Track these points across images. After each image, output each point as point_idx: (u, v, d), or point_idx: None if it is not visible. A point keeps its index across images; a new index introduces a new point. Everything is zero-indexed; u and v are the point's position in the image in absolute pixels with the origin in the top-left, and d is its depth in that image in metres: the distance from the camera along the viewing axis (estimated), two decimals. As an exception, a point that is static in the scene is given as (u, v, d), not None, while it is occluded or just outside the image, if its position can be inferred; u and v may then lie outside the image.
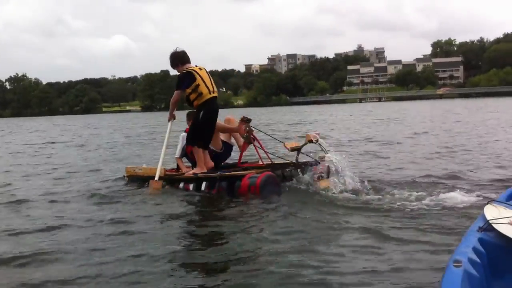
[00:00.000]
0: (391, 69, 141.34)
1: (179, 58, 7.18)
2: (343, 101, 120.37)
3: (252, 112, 61.04)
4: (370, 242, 4.17)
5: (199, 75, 6.95)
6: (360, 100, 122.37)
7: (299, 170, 6.69)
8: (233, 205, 5.75)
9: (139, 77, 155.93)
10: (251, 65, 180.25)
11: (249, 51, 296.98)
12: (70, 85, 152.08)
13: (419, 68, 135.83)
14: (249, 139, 7.05)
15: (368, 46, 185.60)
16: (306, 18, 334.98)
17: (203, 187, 6.53)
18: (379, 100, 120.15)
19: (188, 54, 7.25)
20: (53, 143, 18.85)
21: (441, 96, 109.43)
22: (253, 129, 7.11)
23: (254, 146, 7.15)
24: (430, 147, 11.48)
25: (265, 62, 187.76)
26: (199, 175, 6.69)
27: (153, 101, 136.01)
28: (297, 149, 6.83)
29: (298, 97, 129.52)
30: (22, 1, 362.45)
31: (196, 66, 7.18)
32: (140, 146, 15.80)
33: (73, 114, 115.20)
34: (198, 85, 6.90)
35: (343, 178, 6.19)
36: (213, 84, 7.15)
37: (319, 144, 6.58)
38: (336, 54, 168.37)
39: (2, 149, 16.96)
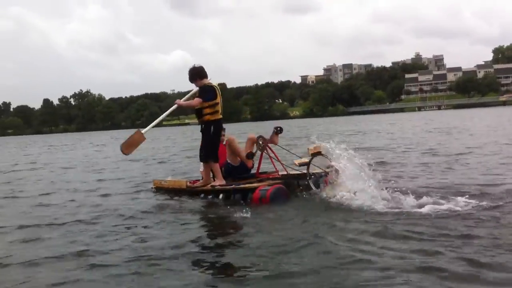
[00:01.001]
0: (450, 77, 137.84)
1: (198, 73, 7.54)
2: (401, 110, 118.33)
3: (309, 123, 61.18)
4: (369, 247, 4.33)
5: (219, 95, 7.47)
6: (419, 109, 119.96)
7: (310, 180, 7.04)
8: (245, 214, 5.97)
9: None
10: (307, 76, 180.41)
11: (305, 62, 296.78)
12: (132, 100, 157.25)
13: (480, 74, 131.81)
14: (263, 149, 7.51)
15: (427, 54, 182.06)
16: (362, 27, 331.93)
17: (220, 197, 7.06)
18: (439, 108, 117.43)
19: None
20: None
21: (504, 103, 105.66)
22: (266, 140, 7.53)
23: (270, 157, 7.54)
24: (492, 159, 10.33)
25: (321, 72, 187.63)
26: (216, 187, 7.24)
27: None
28: (306, 164, 7.15)
29: (355, 107, 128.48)
30: (85, 19, 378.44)
31: (215, 83, 7.59)
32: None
33: (134, 128, 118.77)
34: (218, 103, 7.43)
35: (354, 185, 6.29)
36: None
37: (324, 155, 6.87)
38: (393, 63, 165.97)
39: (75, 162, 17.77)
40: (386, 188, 6.31)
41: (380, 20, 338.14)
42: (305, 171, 7.19)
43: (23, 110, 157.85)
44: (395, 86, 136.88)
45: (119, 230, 5.61)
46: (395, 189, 6.35)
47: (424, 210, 5.49)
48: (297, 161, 7.40)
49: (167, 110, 8.00)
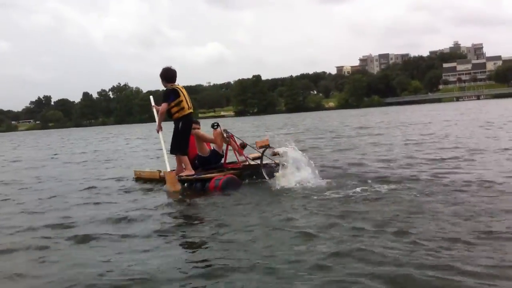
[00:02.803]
0: (490, 66, 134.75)
1: (166, 77, 8.37)
2: (439, 100, 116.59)
3: (345, 114, 60.97)
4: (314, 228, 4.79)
5: (182, 93, 8.19)
6: (457, 99, 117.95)
7: (263, 170, 7.85)
8: (203, 202, 6.75)
9: (232, 83, 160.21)
10: (342, 66, 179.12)
11: (340, 53, 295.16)
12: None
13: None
14: (228, 141, 8.33)
15: (465, 43, 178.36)
16: (398, 16, 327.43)
17: (185, 185, 7.95)
18: (478, 98, 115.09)
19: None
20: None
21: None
22: (230, 134, 8.34)
23: (233, 149, 8.35)
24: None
25: (357, 63, 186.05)
26: (182, 177, 8.03)
27: (245, 105, 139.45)
28: (259, 158, 7.98)
29: (391, 98, 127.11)
30: (122, 14, 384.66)
31: (179, 85, 8.37)
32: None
33: (171, 120, 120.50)
34: (181, 101, 8.15)
35: (300, 173, 7.21)
36: (190, 102, 8.34)
37: (271, 147, 7.68)
38: (430, 52, 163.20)
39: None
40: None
41: (417, 8, 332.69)
42: (258, 163, 8.00)
43: (64, 103, 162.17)
44: (433, 76, 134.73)
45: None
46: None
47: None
48: (251, 155, 8.26)
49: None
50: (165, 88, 8.36)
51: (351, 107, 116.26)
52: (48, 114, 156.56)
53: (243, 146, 8.44)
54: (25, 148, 29.62)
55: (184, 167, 8.29)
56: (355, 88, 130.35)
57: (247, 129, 34.03)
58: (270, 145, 7.74)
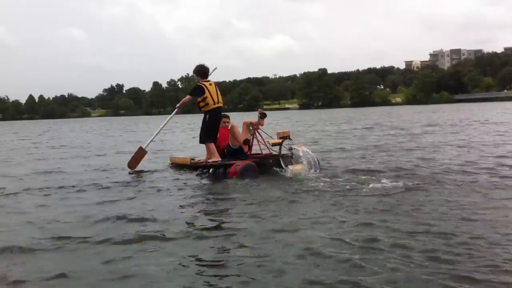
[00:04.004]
0: None
1: (201, 73, 9.50)
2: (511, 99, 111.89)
3: (413, 110, 59.78)
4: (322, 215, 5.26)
5: (208, 90, 9.17)
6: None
7: (281, 160, 8.56)
8: (222, 188, 7.49)
9: (298, 75, 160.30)
10: (412, 61, 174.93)
11: (410, 47, 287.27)
12: (235, 84, 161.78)
13: None
14: (253, 133, 9.05)
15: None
16: (472, 10, 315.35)
17: (211, 171, 8.80)
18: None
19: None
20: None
21: None
22: (256, 125, 9.10)
23: (257, 140, 9.09)
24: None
25: (427, 58, 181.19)
26: (209, 163, 8.99)
27: (310, 99, 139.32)
28: (278, 144, 8.63)
29: (461, 94, 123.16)
30: (192, 6, 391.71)
31: (208, 81, 9.38)
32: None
33: (236, 112, 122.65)
34: (206, 97, 9.17)
35: (310, 165, 7.99)
36: (219, 96, 9.32)
37: (291, 139, 8.59)
38: (505, 49, 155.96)
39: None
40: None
41: (493, 3, 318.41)
42: (284, 152, 8.75)
43: (135, 92, 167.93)
44: (507, 73, 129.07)
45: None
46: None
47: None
48: (270, 141, 8.91)
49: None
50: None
51: (419, 103, 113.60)
52: (119, 102, 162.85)
53: (248, 141, 9.13)
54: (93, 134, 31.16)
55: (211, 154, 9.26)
56: (424, 83, 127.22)
57: (312, 122, 34.40)
58: (290, 137, 8.59)
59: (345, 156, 10.80)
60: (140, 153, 9.86)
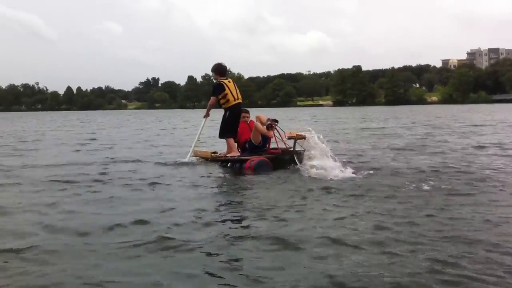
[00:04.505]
0: None
1: (219, 71, 10.00)
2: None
3: (447, 109, 59.21)
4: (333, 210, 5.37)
5: (228, 87, 9.65)
6: None
7: (295, 156, 8.74)
8: (238, 182, 7.72)
9: (332, 72, 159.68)
10: (448, 60, 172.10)
11: (447, 45, 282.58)
12: (269, 79, 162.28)
13: None
14: (270, 128, 9.35)
15: None
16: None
17: (228, 165, 9.15)
18: None
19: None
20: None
21: None
22: (275, 123, 9.38)
23: (274, 136, 9.38)
24: None
25: (464, 56, 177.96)
26: (228, 157, 9.40)
27: (344, 96, 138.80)
28: (293, 138, 8.79)
29: (500, 95, 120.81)
30: (227, 0, 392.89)
31: (227, 79, 9.87)
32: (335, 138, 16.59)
33: (270, 107, 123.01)
34: (227, 94, 9.64)
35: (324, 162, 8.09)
36: (238, 93, 9.77)
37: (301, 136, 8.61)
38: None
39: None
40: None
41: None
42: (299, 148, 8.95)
43: (170, 85, 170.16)
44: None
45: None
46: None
47: None
48: (287, 134, 9.11)
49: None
50: (215, 81, 10.01)
51: (455, 103, 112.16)
52: (155, 95, 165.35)
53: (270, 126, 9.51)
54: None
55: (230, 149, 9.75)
56: (460, 82, 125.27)
57: (347, 120, 34.40)
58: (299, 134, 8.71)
59: (377, 155, 10.72)
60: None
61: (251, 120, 10.00)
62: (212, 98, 9.83)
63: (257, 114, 10.05)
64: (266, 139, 9.67)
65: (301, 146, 8.83)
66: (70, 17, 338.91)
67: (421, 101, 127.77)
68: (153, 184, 7.39)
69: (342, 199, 5.94)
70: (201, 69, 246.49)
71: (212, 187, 7.25)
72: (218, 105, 9.87)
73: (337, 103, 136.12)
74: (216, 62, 10.16)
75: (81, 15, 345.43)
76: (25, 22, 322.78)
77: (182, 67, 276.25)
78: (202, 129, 10.54)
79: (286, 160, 8.93)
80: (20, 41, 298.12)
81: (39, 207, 5.79)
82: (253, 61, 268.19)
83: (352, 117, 40.70)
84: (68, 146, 15.21)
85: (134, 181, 7.72)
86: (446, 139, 14.97)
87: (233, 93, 9.75)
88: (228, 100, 9.71)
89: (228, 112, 9.76)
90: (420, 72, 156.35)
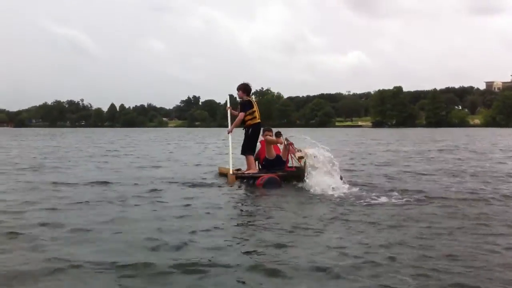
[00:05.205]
0: None
1: (247, 90, 10.33)
2: None
3: (491, 132, 57.76)
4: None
5: (255, 105, 10.11)
6: None
7: (304, 173, 8.95)
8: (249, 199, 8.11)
9: (372, 92, 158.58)
10: (493, 82, 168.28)
11: (491, 67, 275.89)
12: (308, 99, 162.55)
13: None
14: (287, 147, 9.77)
15: None
16: None
17: (244, 181, 9.68)
18: None
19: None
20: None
21: None
22: (290, 141, 9.73)
23: (289, 155, 9.78)
24: None
25: (509, 79, 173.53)
26: (245, 174, 9.90)
27: (384, 117, 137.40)
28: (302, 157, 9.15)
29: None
30: (268, 19, 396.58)
31: (253, 97, 10.40)
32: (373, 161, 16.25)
33: (308, 127, 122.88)
34: (254, 111, 10.09)
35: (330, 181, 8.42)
36: (259, 113, 10.21)
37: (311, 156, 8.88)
38: None
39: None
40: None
41: None
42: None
43: (210, 104, 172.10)
44: None
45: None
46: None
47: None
48: (297, 154, 9.45)
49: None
50: (241, 99, 10.31)
51: (499, 126, 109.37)
52: (195, 113, 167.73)
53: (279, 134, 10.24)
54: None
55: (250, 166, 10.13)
56: (505, 105, 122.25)
57: (384, 141, 34.08)
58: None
59: (412, 179, 10.32)
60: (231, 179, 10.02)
61: (266, 140, 10.31)
62: (241, 114, 10.14)
63: (266, 135, 10.32)
64: (280, 157, 10.19)
65: (308, 164, 9.09)
66: (115, 35, 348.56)
67: (463, 123, 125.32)
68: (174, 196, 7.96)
69: (341, 223, 5.92)
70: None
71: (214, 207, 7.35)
72: (241, 123, 10.22)
73: (376, 124, 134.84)
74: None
75: (126, 33, 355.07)
76: (71, 39, 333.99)
77: (223, 85, 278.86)
78: (231, 144, 10.47)
79: (295, 177, 9.40)
80: (67, 58, 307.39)
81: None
82: (293, 81, 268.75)
83: (391, 138, 40.30)
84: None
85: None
86: (484, 165, 14.13)
87: (258, 111, 10.24)
88: (255, 117, 10.16)
89: (251, 130, 10.12)
90: (463, 94, 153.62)
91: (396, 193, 7.95)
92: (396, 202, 7.23)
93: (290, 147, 9.75)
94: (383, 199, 7.42)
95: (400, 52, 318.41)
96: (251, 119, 10.11)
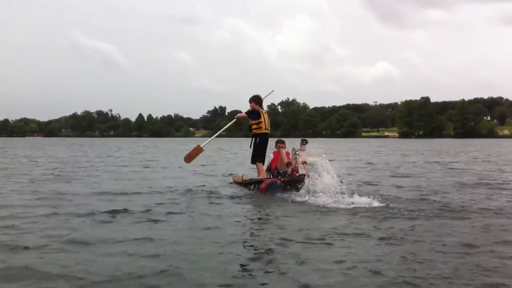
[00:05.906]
0: None
1: (258, 101, 10.74)
2: None
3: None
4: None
5: (263, 116, 10.53)
6: None
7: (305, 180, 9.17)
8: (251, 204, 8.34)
9: (399, 103, 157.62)
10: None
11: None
12: (334, 110, 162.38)
13: None
14: (295, 156, 10.12)
15: None
16: None
17: (251, 187, 10.16)
18: None
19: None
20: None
21: None
22: (298, 152, 10.05)
23: (296, 162, 10.10)
24: None
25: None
26: (253, 180, 10.43)
27: (411, 127, 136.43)
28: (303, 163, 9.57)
29: None
30: (294, 31, 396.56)
31: (264, 109, 10.73)
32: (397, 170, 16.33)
33: (334, 138, 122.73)
34: (261, 121, 10.52)
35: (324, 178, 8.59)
36: (269, 125, 10.66)
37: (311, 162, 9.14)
38: None
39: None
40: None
41: None
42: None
43: (236, 114, 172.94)
44: None
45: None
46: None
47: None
48: (301, 159, 9.82)
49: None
50: (251, 109, 10.76)
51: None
52: (221, 123, 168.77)
53: (290, 164, 10.28)
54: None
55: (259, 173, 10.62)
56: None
57: (409, 152, 33.81)
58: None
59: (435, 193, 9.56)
60: (196, 150, 11.02)
61: (287, 151, 10.61)
62: (244, 114, 10.79)
63: (279, 147, 10.59)
64: (288, 165, 10.61)
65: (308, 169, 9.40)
66: (144, 47, 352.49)
67: (492, 134, 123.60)
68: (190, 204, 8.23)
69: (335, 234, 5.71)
70: (267, 99, 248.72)
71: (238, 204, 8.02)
72: (250, 130, 10.76)
73: (403, 135, 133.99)
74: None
75: (154, 45, 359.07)
76: (102, 51, 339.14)
77: (249, 96, 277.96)
78: (227, 127, 12.09)
79: (299, 182, 9.54)
80: (97, 69, 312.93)
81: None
82: (319, 91, 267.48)
83: (416, 149, 39.88)
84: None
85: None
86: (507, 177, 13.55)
87: (265, 122, 10.64)
88: (261, 127, 10.59)
89: (258, 139, 10.61)
90: (491, 105, 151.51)
91: (414, 205, 7.69)
92: (412, 216, 6.80)
93: (298, 155, 10.15)
94: (392, 210, 7.22)
95: (428, 63, 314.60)
96: (256, 128, 10.60)
